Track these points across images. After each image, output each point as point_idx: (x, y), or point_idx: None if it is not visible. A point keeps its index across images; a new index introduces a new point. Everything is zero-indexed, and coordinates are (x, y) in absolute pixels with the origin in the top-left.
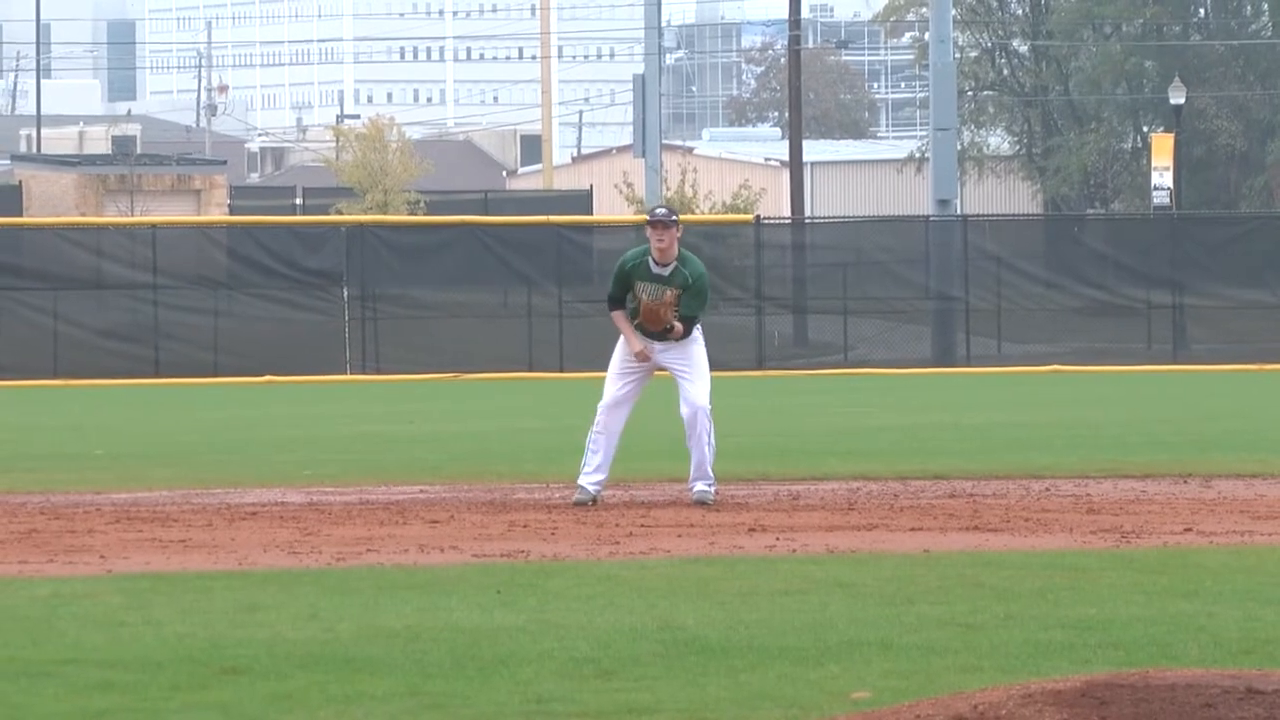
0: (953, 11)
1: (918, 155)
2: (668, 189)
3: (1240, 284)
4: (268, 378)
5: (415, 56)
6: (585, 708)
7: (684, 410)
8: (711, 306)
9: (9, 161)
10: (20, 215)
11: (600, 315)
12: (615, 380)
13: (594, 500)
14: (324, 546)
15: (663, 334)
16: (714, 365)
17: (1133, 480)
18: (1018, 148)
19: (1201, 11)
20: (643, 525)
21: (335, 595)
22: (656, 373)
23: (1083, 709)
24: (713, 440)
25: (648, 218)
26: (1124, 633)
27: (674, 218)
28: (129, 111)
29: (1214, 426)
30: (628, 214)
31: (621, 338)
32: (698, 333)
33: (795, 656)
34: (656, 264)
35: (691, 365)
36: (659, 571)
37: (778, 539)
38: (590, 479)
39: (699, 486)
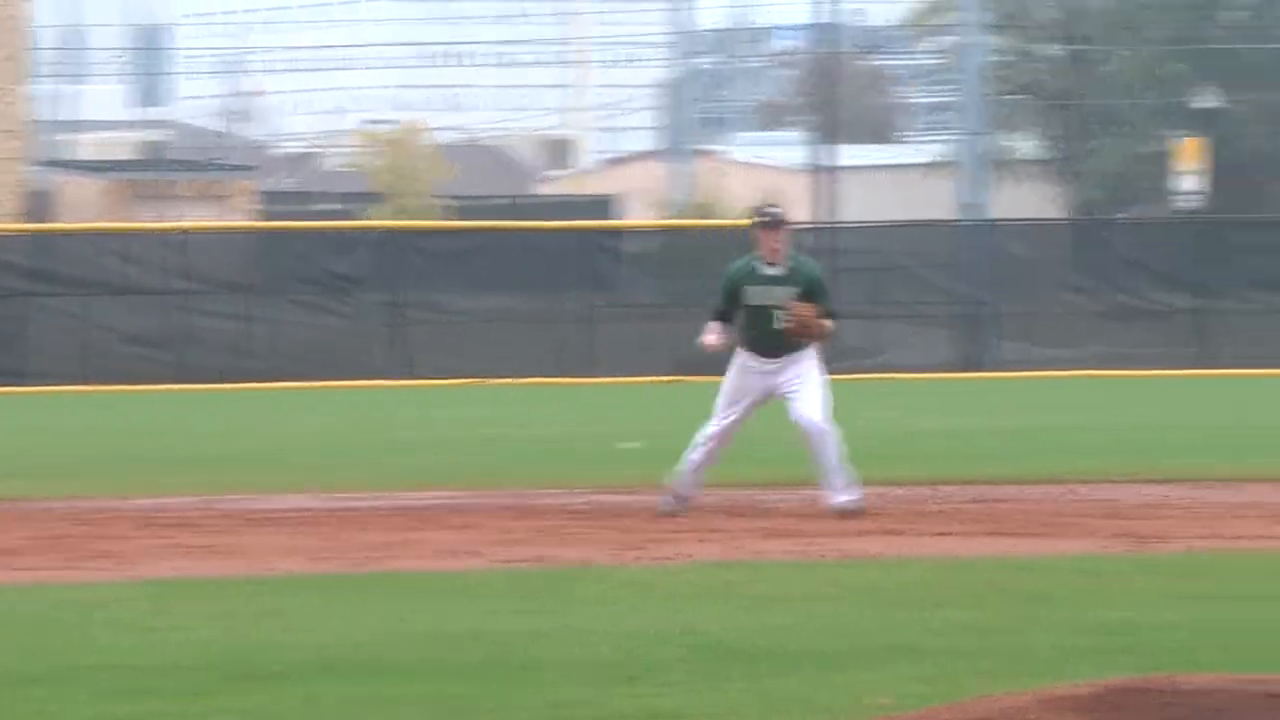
0: (983, 15)
1: (947, 159)
2: (696, 193)
3: (1268, 288)
4: (296, 383)
5: (444, 62)
6: (609, 713)
7: (798, 423)
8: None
9: (39, 167)
10: (50, 221)
11: (628, 320)
12: (725, 408)
13: (674, 512)
14: (347, 552)
15: (791, 345)
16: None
17: (1156, 485)
18: (1046, 152)
19: (1233, 15)
20: (667, 530)
21: (358, 600)
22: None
23: (1103, 714)
24: (838, 448)
25: (755, 218)
26: (1146, 638)
27: (784, 216)
28: (158, 117)
29: (1239, 431)
30: (656, 218)
31: (736, 363)
32: (811, 350)
33: (820, 661)
34: (768, 265)
35: (802, 381)
36: (683, 576)
37: (802, 544)
38: (677, 492)
39: (840, 499)
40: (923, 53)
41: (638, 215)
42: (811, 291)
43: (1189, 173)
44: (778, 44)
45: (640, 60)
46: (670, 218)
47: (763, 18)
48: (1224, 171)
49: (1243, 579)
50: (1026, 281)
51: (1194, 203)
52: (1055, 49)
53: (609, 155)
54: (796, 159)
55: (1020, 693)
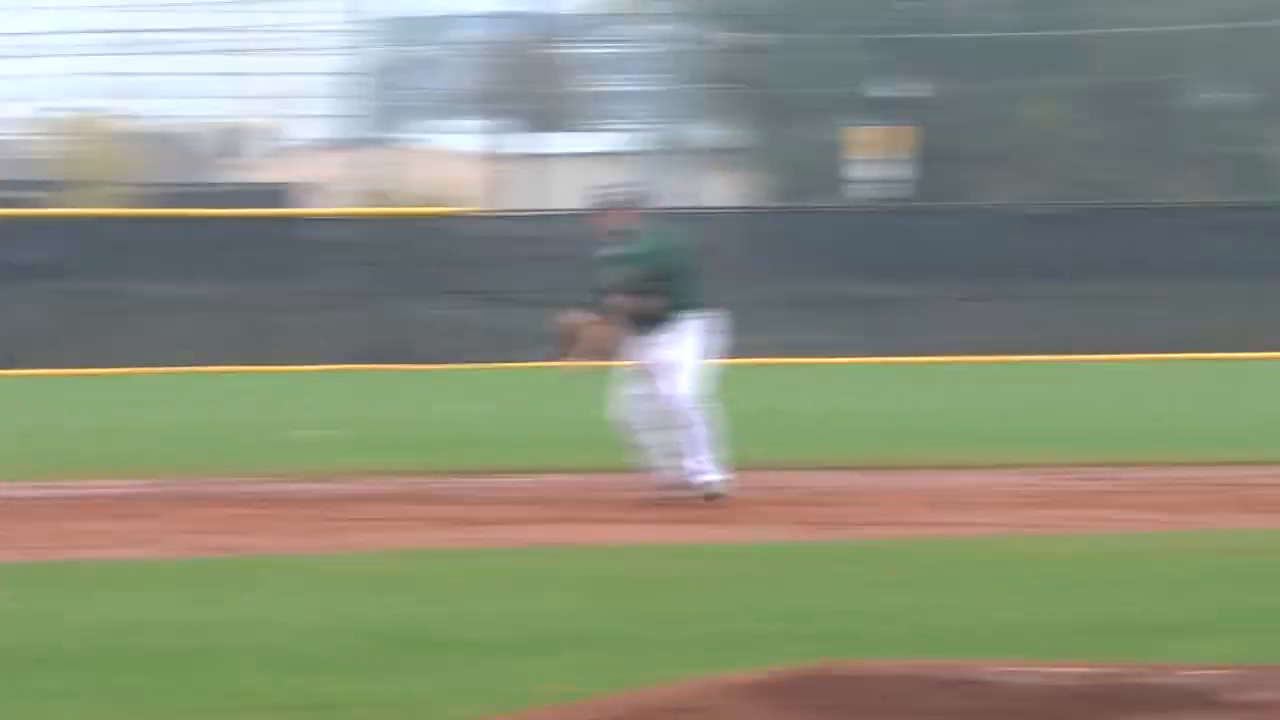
0: (668, 4)
1: (631, 148)
2: (376, 182)
3: (945, 276)
4: None
5: (122, 49)
6: (280, 701)
7: (656, 398)
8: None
9: None
10: None
11: (311, 309)
12: (629, 387)
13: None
14: (18, 541)
15: (645, 321)
16: (416, 359)
17: (833, 472)
18: (738, 140)
19: (942, 4)
20: (341, 520)
21: (29, 591)
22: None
23: (778, 699)
24: (698, 430)
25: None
26: (825, 624)
27: (608, 201)
28: None
29: (914, 419)
30: (335, 207)
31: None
32: (690, 326)
33: (493, 650)
34: (607, 245)
35: (669, 359)
36: (354, 565)
37: (477, 532)
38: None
39: (697, 479)
40: (608, 41)
41: (318, 204)
42: (634, 263)
43: (869, 160)
44: (461, 32)
45: (320, 49)
46: (350, 206)
47: (445, 5)
48: (922, 160)
49: (917, 566)
50: (715, 269)
51: (878, 190)
52: (734, 36)
53: (286, 143)
54: (479, 147)
55: (690, 680)
